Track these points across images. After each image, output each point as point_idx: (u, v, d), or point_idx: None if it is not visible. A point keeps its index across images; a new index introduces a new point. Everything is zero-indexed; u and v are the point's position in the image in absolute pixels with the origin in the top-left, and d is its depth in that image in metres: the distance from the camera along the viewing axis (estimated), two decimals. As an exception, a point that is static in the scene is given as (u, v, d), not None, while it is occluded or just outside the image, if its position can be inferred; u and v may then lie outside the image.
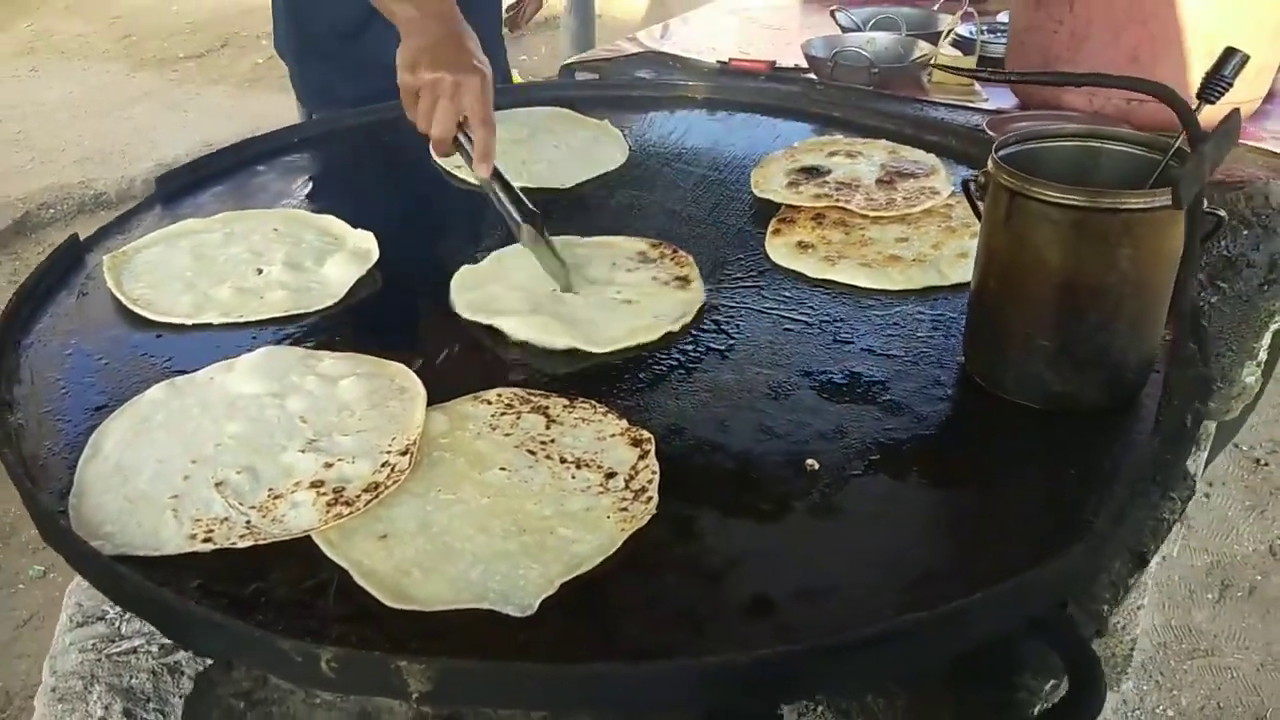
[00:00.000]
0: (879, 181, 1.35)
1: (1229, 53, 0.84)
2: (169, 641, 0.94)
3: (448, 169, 1.42)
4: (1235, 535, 2.47)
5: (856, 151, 1.45)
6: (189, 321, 1.07)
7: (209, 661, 0.89)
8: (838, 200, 1.30)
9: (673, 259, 1.18)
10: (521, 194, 1.15)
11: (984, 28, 1.87)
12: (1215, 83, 0.84)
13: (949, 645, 0.70)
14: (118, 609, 0.97)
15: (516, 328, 1.05)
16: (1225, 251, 1.18)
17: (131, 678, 0.91)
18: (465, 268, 1.16)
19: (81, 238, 1.22)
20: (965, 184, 0.94)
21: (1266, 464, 2.72)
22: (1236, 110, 0.80)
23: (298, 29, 1.71)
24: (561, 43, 4.54)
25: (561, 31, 4.57)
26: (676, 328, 1.05)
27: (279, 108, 4.68)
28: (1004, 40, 1.78)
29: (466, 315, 1.08)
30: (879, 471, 0.85)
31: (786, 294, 1.13)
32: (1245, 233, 1.20)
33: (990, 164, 0.88)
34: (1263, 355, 1.26)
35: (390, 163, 1.49)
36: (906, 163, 1.41)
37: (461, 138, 1.16)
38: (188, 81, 5.10)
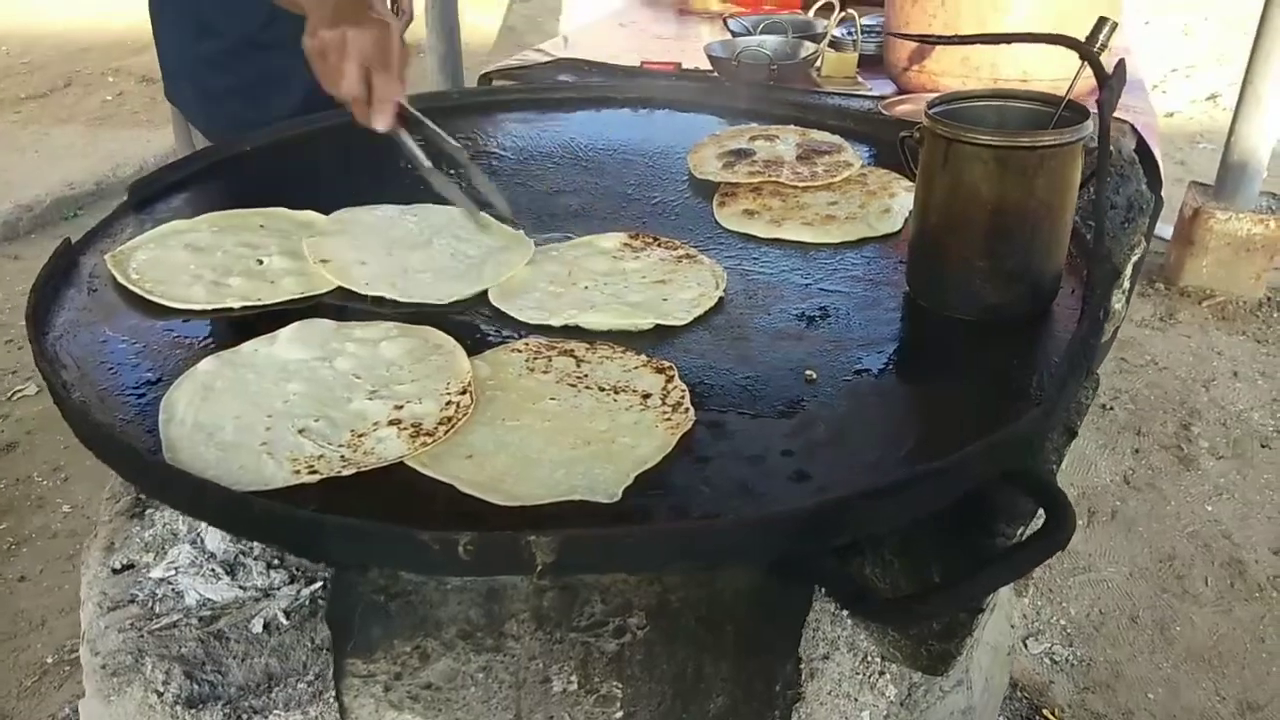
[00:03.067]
0: (799, 158, 1.54)
1: (1102, 21, 1.06)
2: (209, 613, 1.01)
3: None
4: (1094, 470, 2.80)
5: (772, 135, 1.63)
6: (209, 307, 1.13)
7: (253, 622, 0.97)
8: (769, 175, 1.48)
9: (657, 244, 1.27)
10: (440, 133, 1.27)
11: (862, 27, 2.11)
12: (1094, 43, 1.06)
13: (946, 492, 0.86)
14: (147, 590, 1.04)
15: (599, 321, 1.10)
16: (1092, 196, 1.41)
17: (180, 647, 0.95)
18: (494, 288, 1.16)
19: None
20: (902, 139, 1.12)
21: (1111, 408, 3.08)
22: (1123, 60, 1.02)
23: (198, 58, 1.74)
24: (428, 66, 4.62)
25: (428, 56, 4.65)
26: (722, 291, 1.16)
27: (135, 143, 4.57)
28: (877, 38, 2.02)
29: (536, 321, 1.10)
30: (864, 375, 1.02)
31: (742, 252, 1.29)
32: (1107, 180, 1.44)
33: (926, 120, 1.07)
34: (1126, 284, 1.51)
35: (353, 159, 1.56)
36: (817, 142, 1.61)
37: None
38: (33, 122, 4.88)
